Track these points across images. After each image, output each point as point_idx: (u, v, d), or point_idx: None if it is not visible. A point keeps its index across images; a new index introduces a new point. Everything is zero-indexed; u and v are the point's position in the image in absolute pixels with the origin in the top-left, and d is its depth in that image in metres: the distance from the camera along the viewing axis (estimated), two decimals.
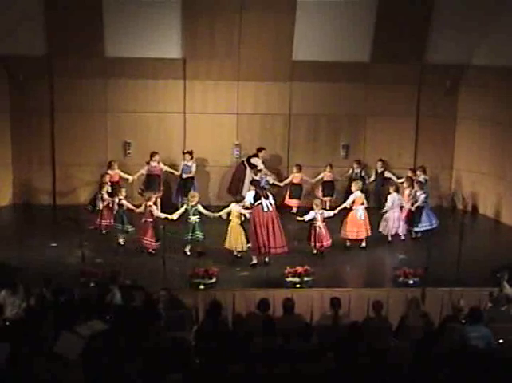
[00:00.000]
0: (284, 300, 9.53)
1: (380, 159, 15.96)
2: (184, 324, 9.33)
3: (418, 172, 14.98)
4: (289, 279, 11.44)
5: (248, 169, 15.51)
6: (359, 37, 15.44)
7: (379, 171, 15.95)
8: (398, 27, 15.19)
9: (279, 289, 11.23)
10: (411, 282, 11.56)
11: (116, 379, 6.95)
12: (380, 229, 13.78)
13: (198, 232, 12.73)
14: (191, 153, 15.37)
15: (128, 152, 16.06)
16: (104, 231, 13.66)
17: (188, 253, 12.88)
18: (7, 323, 9.00)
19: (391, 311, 10.47)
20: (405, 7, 15.01)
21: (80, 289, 10.44)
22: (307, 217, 12.72)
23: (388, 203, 13.74)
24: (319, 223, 12.68)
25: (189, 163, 15.34)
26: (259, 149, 15.57)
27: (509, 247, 13.64)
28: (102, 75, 15.66)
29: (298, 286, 11.36)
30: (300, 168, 15.78)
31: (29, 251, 12.91)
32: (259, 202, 12.20)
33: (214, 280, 11.42)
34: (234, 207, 12.56)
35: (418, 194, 13.88)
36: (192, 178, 15.40)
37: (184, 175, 15.31)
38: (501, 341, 8.65)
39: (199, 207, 12.71)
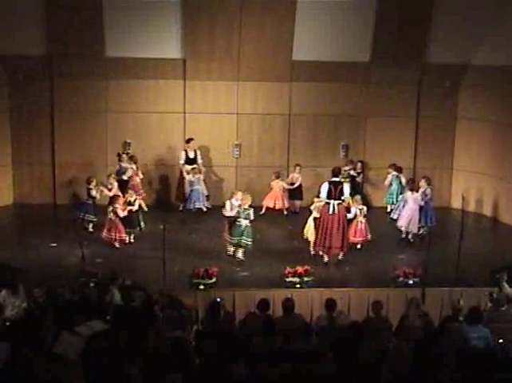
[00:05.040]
0: (284, 300, 9.52)
1: (360, 161, 16.11)
2: (184, 324, 9.32)
3: (389, 170, 15.29)
4: (289, 279, 11.46)
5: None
6: (359, 37, 15.43)
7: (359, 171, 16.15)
8: (398, 27, 15.20)
9: (279, 289, 11.23)
10: (410, 282, 11.58)
11: (116, 379, 6.95)
12: (402, 228, 13.78)
13: (245, 238, 12.37)
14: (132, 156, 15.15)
15: (128, 152, 16.03)
16: (117, 245, 13.12)
17: (231, 254, 12.55)
18: (7, 323, 9.00)
19: (391, 311, 10.48)
20: (405, 7, 15.02)
21: (68, 289, 10.26)
22: (349, 216, 12.76)
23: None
24: (361, 219, 12.90)
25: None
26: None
27: (508, 247, 13.64)
28: (102, 75, 15.63)
29: (298, 286, 11.38)
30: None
31: (29, 251, 12.91)
32: None
33: (214, 280, 11.42)
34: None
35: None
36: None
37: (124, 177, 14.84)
38: (501, 341, 8.65)
39: (251, 212, 12.38)
